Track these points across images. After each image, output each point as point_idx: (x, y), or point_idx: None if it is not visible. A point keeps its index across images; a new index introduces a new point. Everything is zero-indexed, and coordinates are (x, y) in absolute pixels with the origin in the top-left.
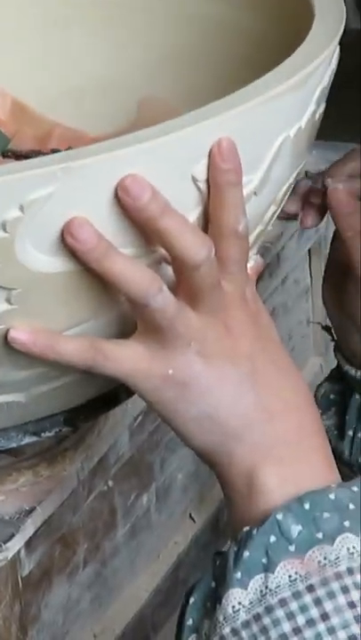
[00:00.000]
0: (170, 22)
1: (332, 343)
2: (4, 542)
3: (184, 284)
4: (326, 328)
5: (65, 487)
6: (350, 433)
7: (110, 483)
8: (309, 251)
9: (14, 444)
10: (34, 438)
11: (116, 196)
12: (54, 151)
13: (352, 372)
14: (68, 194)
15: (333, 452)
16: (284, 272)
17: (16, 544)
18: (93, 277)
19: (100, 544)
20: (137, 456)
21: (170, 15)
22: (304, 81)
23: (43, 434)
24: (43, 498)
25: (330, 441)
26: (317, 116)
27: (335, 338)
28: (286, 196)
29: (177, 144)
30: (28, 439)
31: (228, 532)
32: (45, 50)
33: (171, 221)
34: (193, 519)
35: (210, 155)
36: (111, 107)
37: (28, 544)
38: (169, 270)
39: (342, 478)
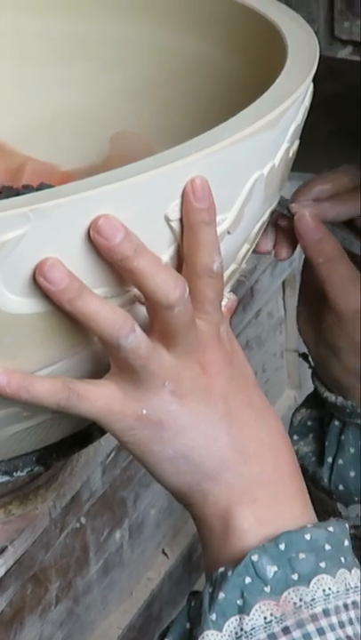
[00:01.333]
0: (144, 57)
1: (309, 373)
2: None
3: (158, 323)
4: (303, 355)
5: (37, 526)
6: (330, 460)
7: (83, 519)
8: (283, 283)
9: None
10: (6, 478)
11: (89, 236)
12: (26, 187)
13: (332, 398)
14: (40, 235)
15: (312, 478)
16: (258, 305)
17: None
18: (66, 318)
19: (72, 581)
20: (110, 492)
21: (144, 50)
22: (277, 119)
23: (15, 473)
24: (14, 537)
25: (308, 468)
26: (291, 153)
27: (312, 365)
28: (260, 234)
29: (150, 184)
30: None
31: (202, 567)
32: (17, 84)
33: (144, 261)
34: (166, 555)
35: (183, 194)
36: (84, 141)
37: (0, 584)
38: (142, 310)
39: (321, 505)
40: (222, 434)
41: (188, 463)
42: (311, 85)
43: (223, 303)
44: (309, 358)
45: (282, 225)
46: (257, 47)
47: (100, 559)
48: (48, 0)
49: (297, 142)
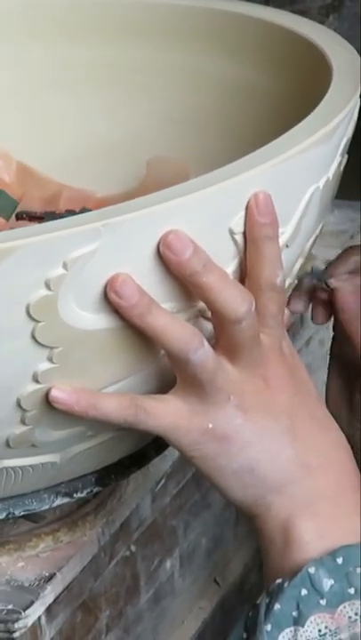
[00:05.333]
0: (180, 81)
1: None
2: (24, 609)
3: (224, 338)
4: None
5: (85, 553)
6: None
7: (133, 548)
8: None
9: (47, 506)
10: (66, 499)
11: (158, 251)
12: (68, 211)
13: None
14: (111, 250)
15: None
16: (308, 333)
17: (36, 611)
18: (134, 333)
19: (122, 610)
20: (160, 520)
21: (180, 74)
22: (332, 132)
23: (75, 494)
24: (63, 564)
25: None
26: (341, 167)
27: None
28: (312, 249)
29: (216, 197)
30: (60, 500)
31: (254, 596)
32: (49, 112)
33: (212, 276)
34: (218, 584)
35: (247, 208)
36: (118, 167)
37: (49, 611)
38: (205, 324)
39: None
40: (286, 447)
41: (254, 476)
42: (359, 101)
43: None
44: None
45: (320, 297)
46: (298, 68)
47: (151, 588)
48: (81, 27)
49: (346, 157)
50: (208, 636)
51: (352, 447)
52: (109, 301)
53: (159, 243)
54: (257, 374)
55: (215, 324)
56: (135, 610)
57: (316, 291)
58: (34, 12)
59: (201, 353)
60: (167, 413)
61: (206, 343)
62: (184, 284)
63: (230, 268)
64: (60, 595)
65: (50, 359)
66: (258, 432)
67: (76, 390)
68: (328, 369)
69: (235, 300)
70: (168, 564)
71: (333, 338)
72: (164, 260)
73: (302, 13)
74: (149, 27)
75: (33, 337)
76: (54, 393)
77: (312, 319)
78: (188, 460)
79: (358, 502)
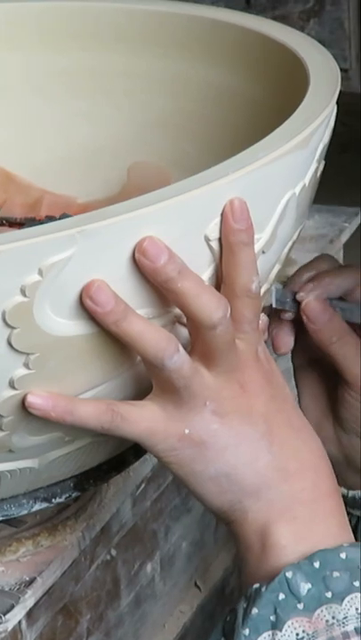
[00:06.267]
0: (161, 87)
1: None
2: (4, 614)
3: (200, 343)
4: None
5: (66, 557)
6: None
7: (113, 552)
8: None
9: (25, 512)
10: (45, 505)
11: (134, 257)
12: (48, 217)
13: (359, 494)
14: (86, 256)
15: None
16: None
17: (16, 615)
18: (110, 339)
19: (103, 614)
20: (140, 524)
21: (161, 80)
22: (308, 138)
23: (54, 500)
24: (43, 568)
25: None
26: (318, 173)
27: None
28: (289, 255)
29: (191, 204)
30: (38, 506)
31: (235, 599)
32: (31, 119)
33: (187, 282)
34: (198, 587)
35: (222, 215)
36: (100, 173)
37: (29, 615)
38: (182, 330)
39: None
40: (263, 452)
41: (230, 482)
42: (336, 107)
43: None
44: None
45: (284, 317)
46: (276, 74)
47: (132, 592)
48: (62, 33)
49: (323, 164)
50: (189, 639)
51: (345, 456)
52: (85, 308)
53: (135, 249)
54: (233, 379)
55: (191, 329)
56: (116, 614)
57: (281, 316)
58: (15, 20)
59: (176, 359)
60: (143, 419)
61: (182, 349)
62: (160, 290)
63: (206, 274)
64: (40, 599)
65: (26, 365)
66: (235, 437)
67: (52, 396)
68: (295, 381)
69: (210, 306)
70: (149, 567)
71: (293, 350)
72: (140, 266)
73: (283, 18)
74: (130, 33)
75: (9, 343)
76: (30, 399)
77: (275, 350)
78: (165, 465)
79: (335, 506)
